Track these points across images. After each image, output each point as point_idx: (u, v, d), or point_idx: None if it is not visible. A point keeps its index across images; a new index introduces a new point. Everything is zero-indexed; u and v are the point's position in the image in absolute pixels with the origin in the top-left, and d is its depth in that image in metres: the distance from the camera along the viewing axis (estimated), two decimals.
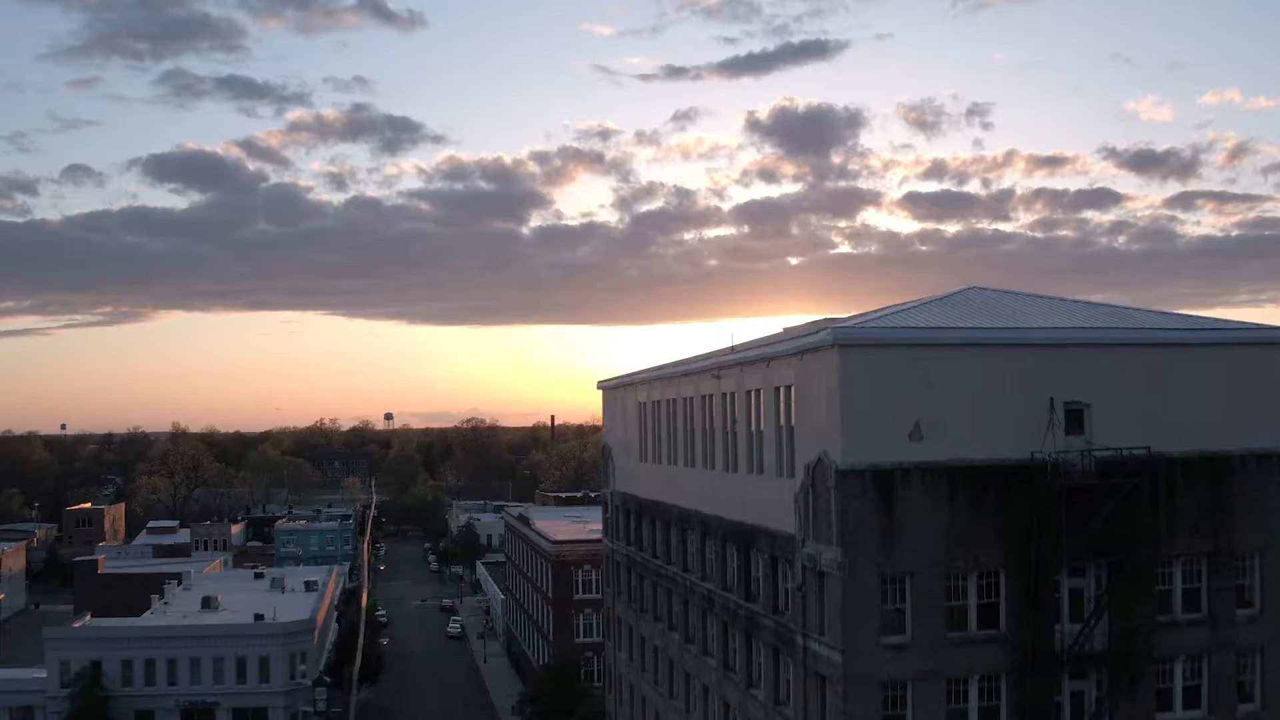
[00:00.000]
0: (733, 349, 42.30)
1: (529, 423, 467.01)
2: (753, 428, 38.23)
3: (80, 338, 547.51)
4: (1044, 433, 31.93)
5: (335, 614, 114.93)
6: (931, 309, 34.28)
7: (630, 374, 58.89)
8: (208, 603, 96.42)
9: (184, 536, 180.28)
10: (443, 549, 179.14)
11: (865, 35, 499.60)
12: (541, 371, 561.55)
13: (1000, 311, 34.59)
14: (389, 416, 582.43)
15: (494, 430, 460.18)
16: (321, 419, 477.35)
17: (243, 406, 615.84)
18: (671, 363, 55.28)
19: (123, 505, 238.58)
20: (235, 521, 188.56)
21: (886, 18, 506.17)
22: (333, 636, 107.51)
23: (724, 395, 41.16)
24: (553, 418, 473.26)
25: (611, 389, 60.97)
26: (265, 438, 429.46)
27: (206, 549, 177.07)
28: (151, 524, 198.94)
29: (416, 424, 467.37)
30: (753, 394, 38.13)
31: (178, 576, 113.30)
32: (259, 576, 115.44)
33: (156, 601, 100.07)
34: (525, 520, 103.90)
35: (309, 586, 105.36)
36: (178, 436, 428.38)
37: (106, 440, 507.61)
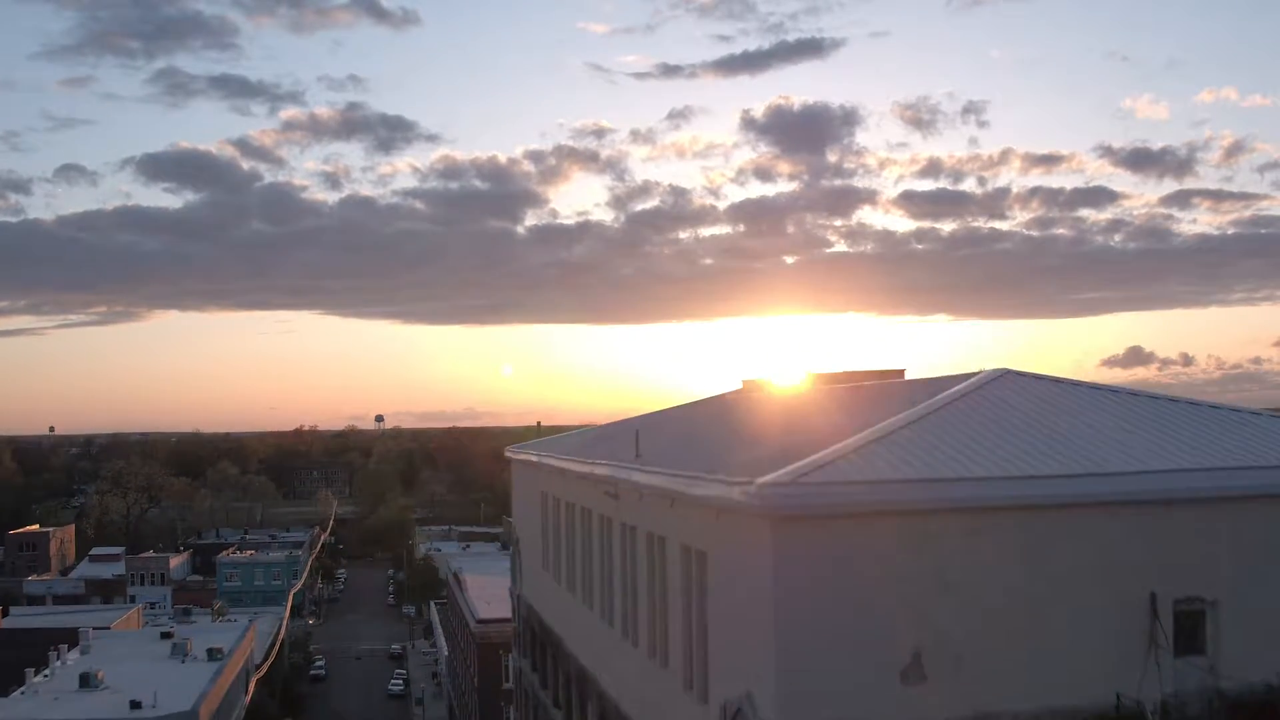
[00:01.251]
0: (638, 446, 28.26)
1: (525, 422, 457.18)
2: (657, 593, 24.33)
3: (74, 338, 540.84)
4: (1142, 658, 18.10)
5: (254, 677, 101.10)
6: (941, 423, 20.24)
7: (536, 444, 45.15)
8: (86, 681, 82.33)
9: (122, 567, 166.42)
10: (400, 582, 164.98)
11: (860, 33, 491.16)
12: (537, 371, 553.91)
13: (1051, 425, 20.58)
14: (380, 419, 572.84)
15: (477, 436, 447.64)
16: (301, 425, 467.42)
17: (238, 406, 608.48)
18: (577, 436, 41.53)
19: (72, 527, 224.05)
20: (178, 551, 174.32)
21: (882, 15, 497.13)
22: (242, 713, 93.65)
23: (622, 526, 27.27)
24: (539, 424, 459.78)
25: (519, 460, 47.10)
26: (240, 446, 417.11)
27: (143, 583, 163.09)
28: (94, 551, 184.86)
29: (411, 424, 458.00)
30: (655, 541, 24.23)
31: (74, 635, 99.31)
32: (165, 636, 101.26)
33: (32, 676, 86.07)
34: (458, 579, 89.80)
35: (212, 655, 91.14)
36: (146, 440, 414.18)
37: (87, 445, 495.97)
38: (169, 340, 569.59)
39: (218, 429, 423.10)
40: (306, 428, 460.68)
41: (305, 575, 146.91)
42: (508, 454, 49.35)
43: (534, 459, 41.84)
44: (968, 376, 23.89)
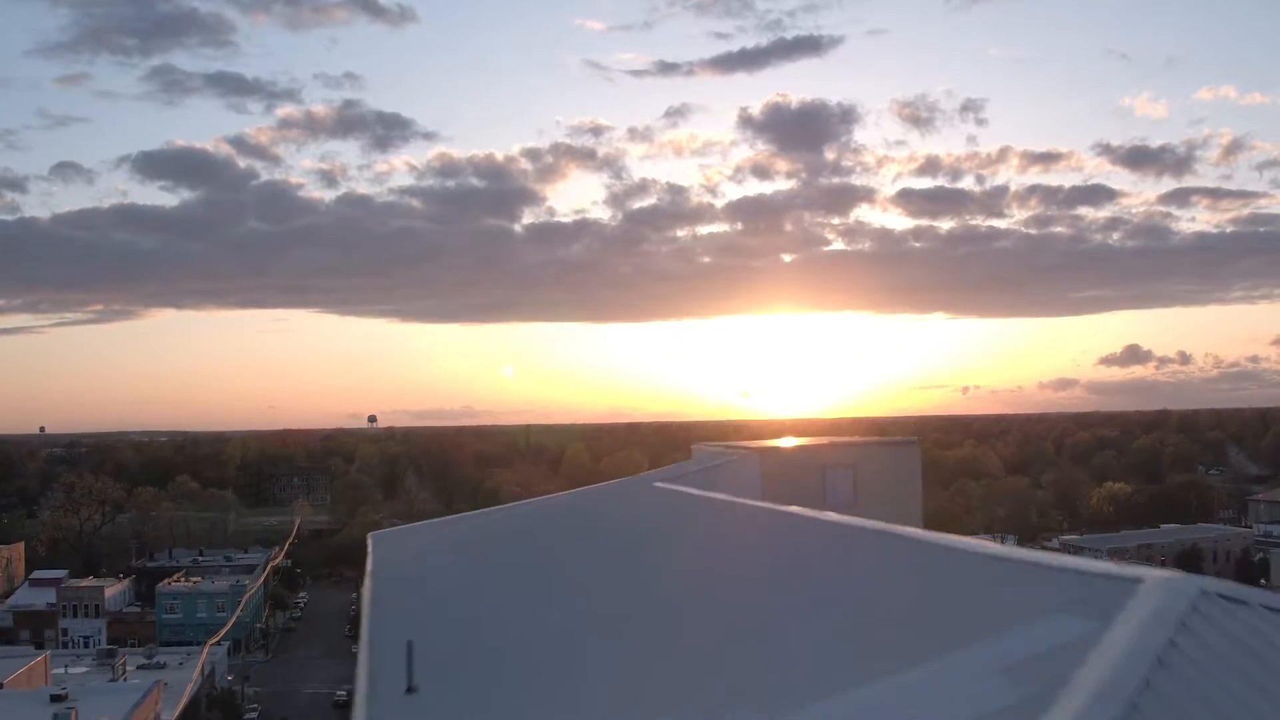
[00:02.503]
0: (411, 670, 14.66)
1: (523, 420, 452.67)
2: None
3: (71, 336, 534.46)
4: None
5: None
6: None
7: (396, 536, 31.60)
8: None
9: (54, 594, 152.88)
10: (354, 614, 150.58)
11: (859, 30, 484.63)
12: (535, 369, 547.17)
13: None
14: (372, 419, 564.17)
15: (472, 436, 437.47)
16: (288, 426, 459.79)
17: (234, 405, 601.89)
18: (454, 530, 27.94)
19: (22, 545, 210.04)
20: (119, 577, 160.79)
21: (880, 13, 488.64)
22: None
23: None
24: (527, 430, 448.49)
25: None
26: (218, 452, 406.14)
27: (75, 615, 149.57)
28: (35, 575, 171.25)
29: (408, 423, 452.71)
30: None
31: None
32: (57, 699, 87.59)
33: None
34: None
35: None
36: (121, 443, 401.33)
37: (70, 448, 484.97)
38: (166, 338, 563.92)
39: (215, 428, 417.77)
40: (293, 429, 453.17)
41: (240, 610, 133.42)
42: (369, 542, 35.78)
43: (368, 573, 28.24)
44: (1104, 581, 10.22)
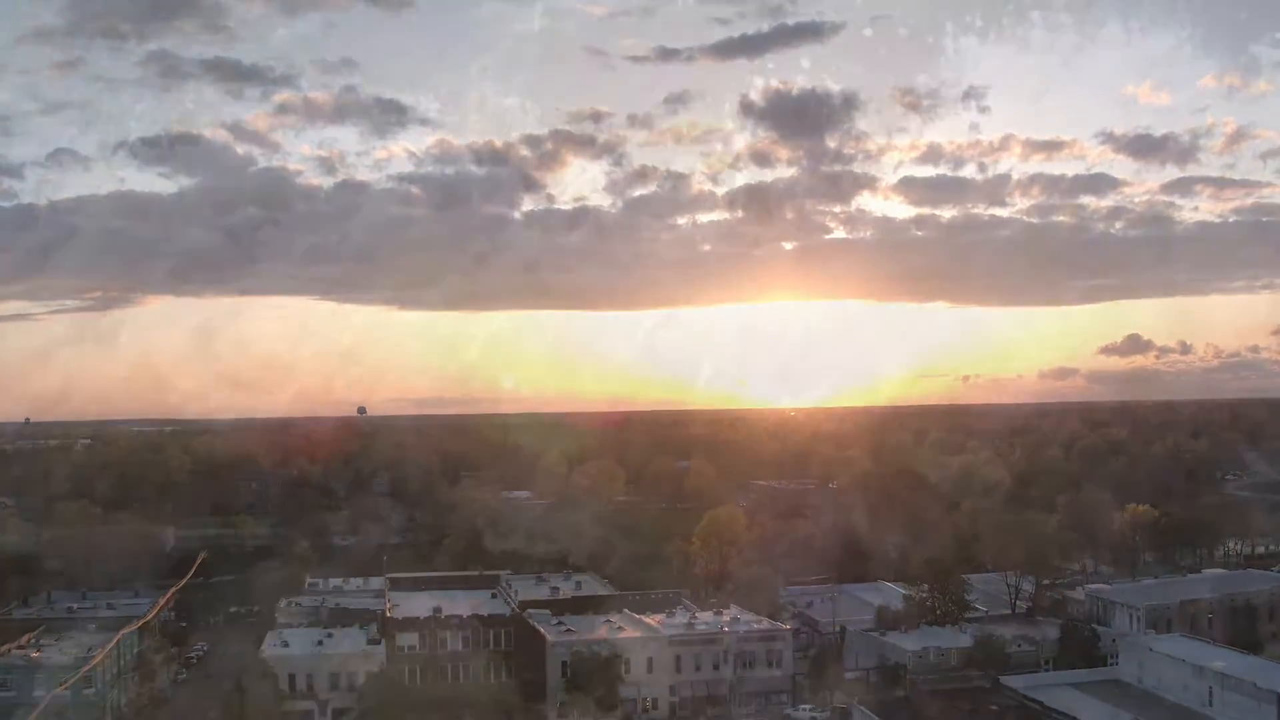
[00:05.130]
0: None
1: (519, 409, 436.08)
2: None
3: (69, 324, 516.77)
4: None
5: None
6: None
7: None
8: None
9: None
10: (235, 689, 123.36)
11: (861, 17, 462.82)
12: (533, 357, 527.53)
13: None
14: (362, 410, 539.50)
15: (449, 434, 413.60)
16: (283, 416, 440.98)
17: (231, 393, 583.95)
18: None
19: None
20: None
21: None
22: None
23: None
24: (505, 429, 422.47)
25: None
26: (167, 457, 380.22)
27: None
28: None
29: (410, 410, 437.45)
30: None
31: None
32: None
33: None
34: None
35: None
36: (91, 435, 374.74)
37: (38, 440, 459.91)
38: (164, 326, 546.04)
39: (210, 417, 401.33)
40: (289, 418, 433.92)
41: (71, 683, 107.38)
42: None
43: None
44: None
